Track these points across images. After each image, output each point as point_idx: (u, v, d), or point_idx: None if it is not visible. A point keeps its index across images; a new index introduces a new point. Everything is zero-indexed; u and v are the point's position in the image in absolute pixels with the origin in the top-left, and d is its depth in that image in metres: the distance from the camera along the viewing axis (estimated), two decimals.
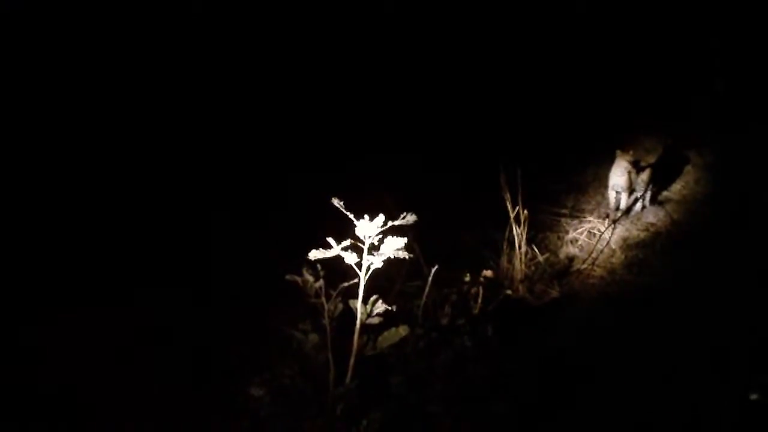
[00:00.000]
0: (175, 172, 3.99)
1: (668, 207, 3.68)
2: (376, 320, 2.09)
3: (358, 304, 2.07)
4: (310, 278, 2.10)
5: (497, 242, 3.07)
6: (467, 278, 2.67)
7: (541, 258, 3.16)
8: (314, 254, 1.97)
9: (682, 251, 3.30)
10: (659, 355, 2.54)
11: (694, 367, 2.46)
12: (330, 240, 1.98)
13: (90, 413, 2.30)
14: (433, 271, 2.40)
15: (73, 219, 3.50)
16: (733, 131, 4.37)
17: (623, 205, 3.57)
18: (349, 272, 2.02)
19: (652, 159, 3.79)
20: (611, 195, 3.60)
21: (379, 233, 1.98)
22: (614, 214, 3.58)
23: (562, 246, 3.42)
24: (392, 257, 1.99)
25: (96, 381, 2.43)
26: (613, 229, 3.42)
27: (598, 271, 3.19)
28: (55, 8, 4.78)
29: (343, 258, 1.98)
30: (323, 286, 2.09)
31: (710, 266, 3.10)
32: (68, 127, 4.28)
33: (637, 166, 3.53)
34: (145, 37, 4.94)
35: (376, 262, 2.00)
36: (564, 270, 3.21)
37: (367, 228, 1.97)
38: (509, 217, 2.95)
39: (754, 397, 2.21)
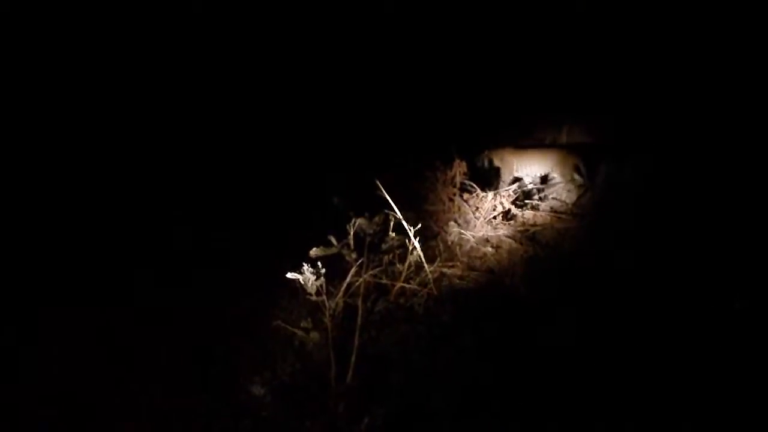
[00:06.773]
0: (179, 173, 4.01)
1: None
2: (377, 318, 2.09)
3: (359, 301, 2.07)
4: (311, 276, 2.10)
5: None
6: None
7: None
8: (315, 252, 1.97)
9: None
10: None
11: None
12: (331, 238, 1.98)
13: (91, 413, 2.30)
14: (434, 266, 2.40)
15: (78, 220, 3.52)
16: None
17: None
18: (350, 270, 2.02)
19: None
20: None
21: (379, 231, 1.99)
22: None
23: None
24: (392, 254, 1.99)
25: (98, 380, 2.44)
26: None
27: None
28: (55, 7, 4.76)
29: (344, 255, 1.98)
30: (324, 284, 2.10)
31: None
32: (80, 133, 4.28)
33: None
34: (148, 41, 4.92)
35: (377, 259, 2.00)
36: None
37: (368, 225, 1.97)
38: None
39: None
